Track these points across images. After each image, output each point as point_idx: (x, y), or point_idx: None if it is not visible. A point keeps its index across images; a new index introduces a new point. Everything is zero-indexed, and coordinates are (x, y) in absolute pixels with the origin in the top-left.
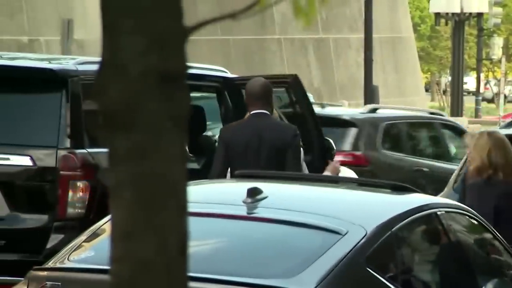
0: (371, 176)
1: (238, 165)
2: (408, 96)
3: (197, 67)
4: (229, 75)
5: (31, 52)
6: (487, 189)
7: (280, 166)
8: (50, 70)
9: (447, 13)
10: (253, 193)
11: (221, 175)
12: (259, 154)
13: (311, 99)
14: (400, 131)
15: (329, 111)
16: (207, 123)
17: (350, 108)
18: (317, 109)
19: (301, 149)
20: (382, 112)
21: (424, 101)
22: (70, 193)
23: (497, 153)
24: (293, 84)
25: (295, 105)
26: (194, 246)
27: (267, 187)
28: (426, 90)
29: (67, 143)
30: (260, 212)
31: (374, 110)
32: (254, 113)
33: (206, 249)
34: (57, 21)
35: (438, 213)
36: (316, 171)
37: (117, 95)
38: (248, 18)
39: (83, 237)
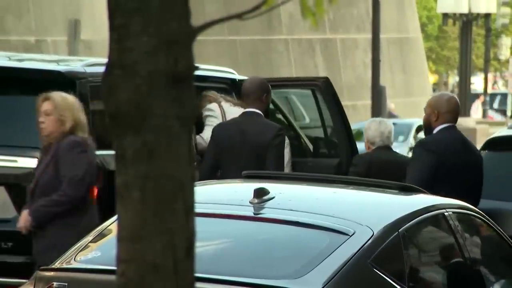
0: None
1: (224, 162)
2: (416, 96)
3: (204, 68)
4: (237, 76)
5: (38, 53)
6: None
7: (260, 165)
8: (58, 72)
9: (454, 13)
10: (260, 193)
11: (209, 172)
12: (241, 152)
13: None
14: None
15: None
16: None
17: None
18: None
19: (288, 150)
20: None
21: None
22: None
23: (80, 112)
24: (323, 87)
25: (324, 108)
26: (201, 247)
27: (274, 188)
28: (434, 91)
29: None
30: (266, 212)
31: None
32: (244, 111)
33: (212, 249)
34: (64, 22)
35: (445, 213)
36: (345, 175)
37: (125, 96)
38: (255, 18)
39: (89, 237)
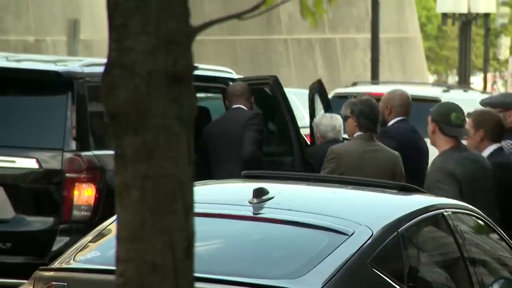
0: None
1: (216, 156)
2: None
3: (203, 68)
4: (236, 76)
5: (37, 53)
6: None
7: (238, 150)
8: (56, 72)
9: (454, 13)
10: (259, 193)
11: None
12: (226, 143)
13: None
14: None
15: None
16: None
17: None
18: None
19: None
20: None
21: None
22: (76, 196)
23: None
24: (273, 85)
25: (275, 106)
26: (200, 247)
27: (273, 187)
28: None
29: (73, 145)
30: (266, 212)
31: None
32: (232, 107)
33: (211, 249)
34: (63, 22)
35: (445, 213)
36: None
37: (125, 95)
38: (254, 18)
39: (89, 237)
